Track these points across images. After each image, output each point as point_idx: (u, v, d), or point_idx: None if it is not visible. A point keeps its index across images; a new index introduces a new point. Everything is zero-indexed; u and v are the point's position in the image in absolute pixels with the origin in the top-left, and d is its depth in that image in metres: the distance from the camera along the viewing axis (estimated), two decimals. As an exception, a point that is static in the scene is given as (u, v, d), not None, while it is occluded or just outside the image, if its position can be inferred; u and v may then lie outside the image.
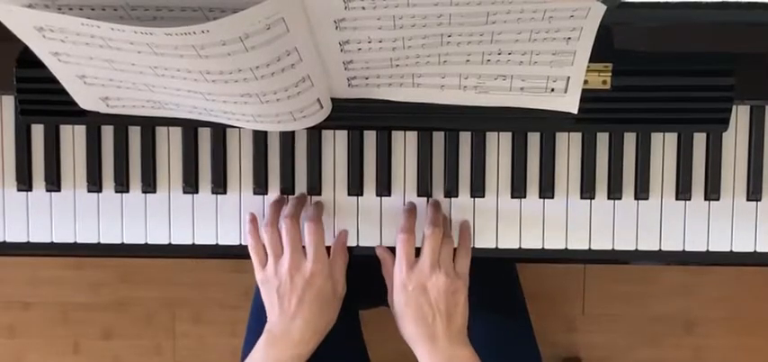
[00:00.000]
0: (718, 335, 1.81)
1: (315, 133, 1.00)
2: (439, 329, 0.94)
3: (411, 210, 0.99)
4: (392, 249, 0.98)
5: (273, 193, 1.01)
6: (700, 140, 1.00)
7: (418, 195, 1.01)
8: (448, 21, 0.79)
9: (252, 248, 0.98)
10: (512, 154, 1.00)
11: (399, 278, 0.95)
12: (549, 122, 0.93)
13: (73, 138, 1.01)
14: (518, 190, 1.00)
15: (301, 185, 1.01)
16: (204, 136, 1.00)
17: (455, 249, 0.99)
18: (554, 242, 1.01)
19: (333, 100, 0.91)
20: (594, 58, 0.84)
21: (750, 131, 1.00)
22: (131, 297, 1.82)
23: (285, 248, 0.96)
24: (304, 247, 0.96)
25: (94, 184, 1.01)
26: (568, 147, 1.00)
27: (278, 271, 0.96)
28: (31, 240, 1.02)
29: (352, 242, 1.01)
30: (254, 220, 0.99)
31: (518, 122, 0.96)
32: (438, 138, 1.00)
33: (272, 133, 1.00)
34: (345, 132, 1.00)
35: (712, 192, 1.00)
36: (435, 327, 0.94)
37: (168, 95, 0.86)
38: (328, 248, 0.98)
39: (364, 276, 1.01)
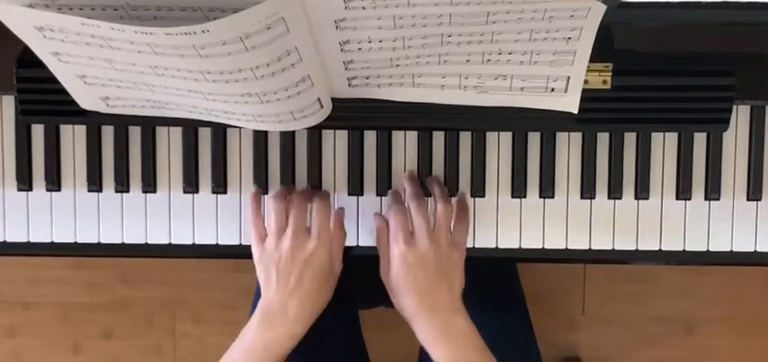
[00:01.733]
0: (719, 335, 1.81)
1: (315, 133, 1.00)
2: (439, 299, 0.94)
3: (395, 191, 1.00)
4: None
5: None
6: (700, 140, 1.00)
7: (418, 195, 1.01)
8: (448, 21, 0.79)
9: (252, 221, 0.97)
10: (512, 154, 1.00)
11: (398, 251, 0.94)
12: (550, 122, 0.93)
13: (73, 138, 1.01)
14: (518, 190, 1.00)
15: (301, 185, 1.01)
16: (204, 136, 1.00)
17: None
18: (554, 242, 1.01)
19: (333, 100, 0.91)
20: (594, 58, 0.84)
21: (750, 131, 1.00)
22: (131, 297, 1.82)
23: (290, 224, 0.95)
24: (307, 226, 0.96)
25: (94, 184, 1.00)
26: (568, 147, 1.00)
27: (279, 246, 0.95)
28: (31, 240, 1.02)
29: (352, 242, 1.01)
30: (257, 193, 0.99)
31: (518, 122, 0.96)
32: (438, 138, 1.00)
33: (272, 133, 1.00)
34: (345, 132, 1.00)
35: (712, 192, 1.00)
36: (435, 297, 0.94)
37: (168, 94, 0.86)
38: None
39: (364, 276, 1.01)
